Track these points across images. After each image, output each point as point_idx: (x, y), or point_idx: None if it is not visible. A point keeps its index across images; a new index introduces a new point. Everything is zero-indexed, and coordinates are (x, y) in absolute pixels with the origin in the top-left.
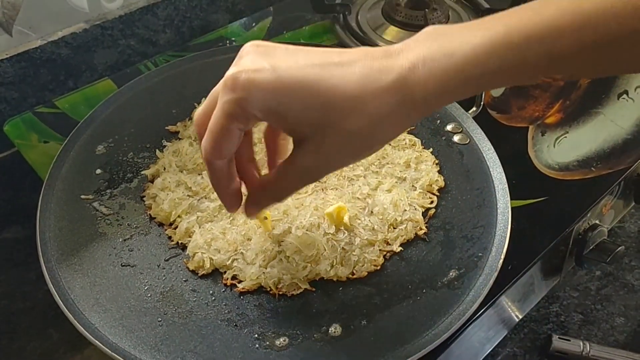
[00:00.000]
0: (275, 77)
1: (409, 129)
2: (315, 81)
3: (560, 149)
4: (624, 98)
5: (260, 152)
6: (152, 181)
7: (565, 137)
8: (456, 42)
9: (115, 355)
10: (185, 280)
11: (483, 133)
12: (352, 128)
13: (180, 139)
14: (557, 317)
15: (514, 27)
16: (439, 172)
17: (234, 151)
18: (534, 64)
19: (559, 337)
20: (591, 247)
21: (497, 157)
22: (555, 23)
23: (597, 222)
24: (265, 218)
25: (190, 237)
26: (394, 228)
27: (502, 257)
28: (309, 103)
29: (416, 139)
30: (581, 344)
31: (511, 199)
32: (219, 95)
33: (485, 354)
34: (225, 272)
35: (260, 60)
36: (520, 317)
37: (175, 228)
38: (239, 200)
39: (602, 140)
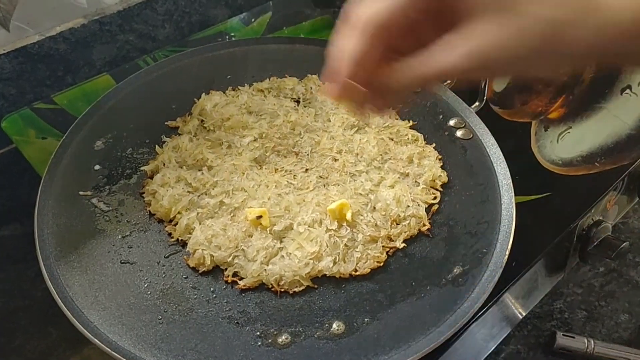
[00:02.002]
0: None
1: (411, 124)
2: None
3: (564, 144)
4: (627, 93)
5: (260, 147)
6: (151, 177)
7: (569, 132)
8: None
9: (115, 353)
10: (185, 278)
11: (486, 128)
12: (534, 13)
13: (179, 134)
14: (561, 314)
15: None
16: (442, 167)
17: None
18: None
19: (563, 334)
20: (595, 243)
21: (500, 152)
22: None
23: (601, 218)
24: (260, 217)
25: (190, 233)
26: (397, 224)
27: (507, 253)
28: None
29: (419, 134)
30: (585, 341)
31: (514, 195)
32: None
33: (489, 352)
34: (226, 269)
35: None
36: (524, 314)
37: (175, 224)
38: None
39: (605, 135)
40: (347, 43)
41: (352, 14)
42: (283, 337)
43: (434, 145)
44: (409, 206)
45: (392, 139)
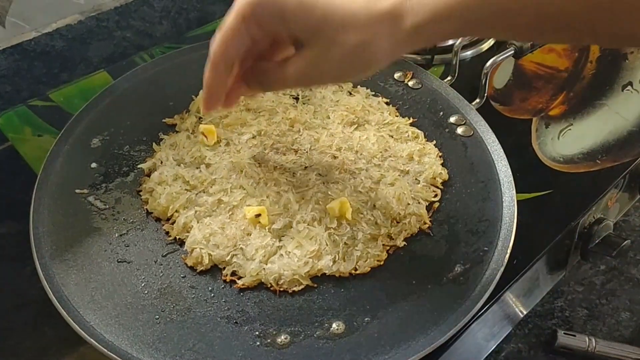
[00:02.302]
0: None
1: (411, 121)
2: None
3: (565, 142)
4: (628, 89)
5: (259, 144)
6: (148, 175)
7: (570, 129)
8: None
9: (112, 354)
10: (183, 277)
11: (487, 125)
12: (344, 41)
13: (177, 131)
14: (562, 312)
15: None
16: (442, 165)
17: (238, 55)
18: (521, 17)
19: (564, 333)
20: (597, 241)
21: (501, 149)
22: None
23: (602, 215)
24: (259, 215)
25: (188, 232)
26: (398, 222)
27: (509, 251)
28: (311, 13)
29: (419, 131)
30: (587, 339)
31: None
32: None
33: (490, 350)
34: (224, 268)
35: None
36: (525, 312)
37: (172, 223)
38: (219, 102)
39: (607, 132)
40: (205, 73)
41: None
42: (282, 337)
43: (434, 142)
44: (409, 204)
45: (392, 136)
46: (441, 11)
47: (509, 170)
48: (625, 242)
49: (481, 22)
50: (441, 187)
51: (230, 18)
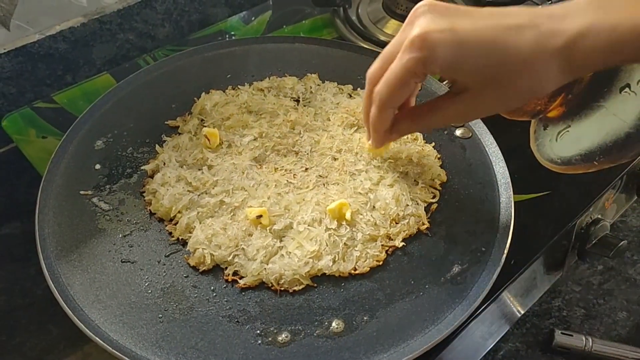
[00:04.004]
0: (457, 38)
1: None
2: (492, 42)
3: (563, 143)
4: (626, 92)
5: (260, 146)
6: (151, 176)
7: (568, 131)
8: (619, 13)
9: (116, 352)
10: (186, 277)
11: (485, 127)
12: (521, 86)
13: (180, 133)
14: (559, 312)
15: None
16: (441, 166)
17: (402, 101)
18: None
19: (561, 332)
20: (594, 242)
21: (499, 151)
22: None
23: (599, 216)
24: (260, 216)
25: (190, 232)
26: (396, 223)
27: (506, 251)
28: (486, 62)
29: (418, 133)
30: (584, 339)
31: (513, 194)
32: (400, 53)
33: (488, 349)
34: (226, 267)
35: (440, 20)
36: (523, 312)
37: (175, 224)
38: (387, 139)
39: (604, 134)
40: (370, 114)
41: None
42: (283, 336)
43: (433, 144)
44: (408, 205)
45: None
46: (613, 45)
47: (507, 171)
48: (622, 242)
49: None
50: (440, 188)
51: (399, 69)
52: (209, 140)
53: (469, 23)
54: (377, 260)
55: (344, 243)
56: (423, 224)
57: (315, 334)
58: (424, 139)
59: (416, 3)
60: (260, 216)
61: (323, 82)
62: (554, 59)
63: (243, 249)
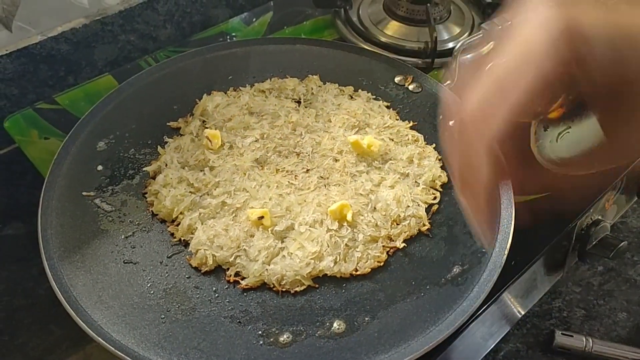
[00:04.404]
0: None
1: (411, 125)
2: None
3: (563, 144)
4: None
5: (262, 147)
6: (153, 177)
7: (568, 132)
8: None
9: (119, 352)
10: (188, 277)
11: None
12: None
13: (181, 135)
14: (559, 313)
15: None
16: (441, 167)
17: None
18: None
19: (562, 333)
20: (594, 243)
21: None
22: None
23: (599, 217)
24: (262, 217)
25: (192, 233)
26: (397, 224)
27: (506, 252)
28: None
29: (419, 134)
30: (584, 339)
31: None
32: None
33: (488, 350)
34: (228, 268)
35: None
36: (523, 312)
37: (177, 225)
38: None
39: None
40: None
41: None
42: (284, 336)
43: (434, 145)
44: (409, 206)
45: (393, 140)
46: None
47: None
48: (622, 243)
49: None
50: (440, 189)
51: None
52: (210, 141)
53: None
54: (378, 261)
55: (345, 244)
56: (424, 225)
57: (316, 335)
58: (424, 140)
59: (416, 4)
60: (262, 217)
61: (324, 84)
62: None
63: (245, 250)
